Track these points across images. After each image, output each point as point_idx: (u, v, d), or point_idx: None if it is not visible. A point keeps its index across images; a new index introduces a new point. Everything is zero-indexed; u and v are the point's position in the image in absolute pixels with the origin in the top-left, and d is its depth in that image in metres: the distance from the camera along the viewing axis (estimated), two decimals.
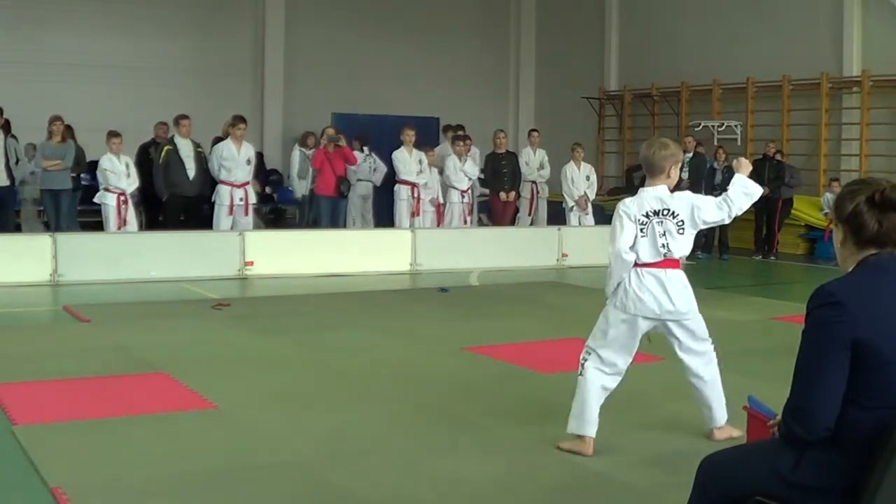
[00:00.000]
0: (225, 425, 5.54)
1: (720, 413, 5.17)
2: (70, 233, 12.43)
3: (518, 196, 15.06)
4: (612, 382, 5.04)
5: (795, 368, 2.79)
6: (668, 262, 4.98)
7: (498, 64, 22.45)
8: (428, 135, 17.02)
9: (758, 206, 14.94)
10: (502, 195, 14.71)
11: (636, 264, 4.97)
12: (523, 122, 22.12)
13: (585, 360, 5.05)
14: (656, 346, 7.76)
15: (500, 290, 11.47)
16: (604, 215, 17.67)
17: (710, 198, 5.15)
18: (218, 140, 13.45)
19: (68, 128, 13.46)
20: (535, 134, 15.71)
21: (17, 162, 13.19)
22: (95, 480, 4.57)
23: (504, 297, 10.99)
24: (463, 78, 21.48)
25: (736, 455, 3.00)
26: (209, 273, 11.71)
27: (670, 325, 5.06)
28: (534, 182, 15.33)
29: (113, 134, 12.61)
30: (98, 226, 13.44)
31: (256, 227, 13.88)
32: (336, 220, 14.31)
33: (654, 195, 4.98)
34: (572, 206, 14.67)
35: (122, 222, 12.38)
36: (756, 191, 5.07)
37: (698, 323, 5.17)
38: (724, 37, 18.02)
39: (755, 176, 16.40)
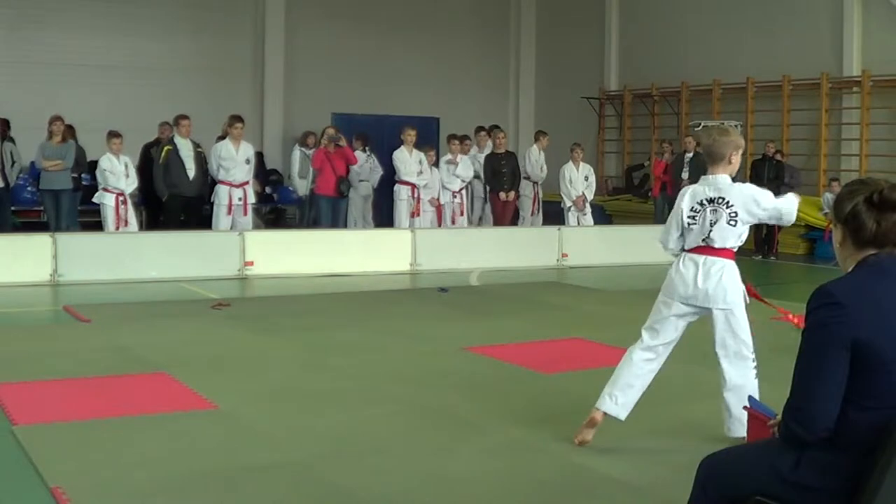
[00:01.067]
0: (225, 425, 5.54)
1: (734, 424, 5.06)
2: (70, 233, 12.43)
3: (517, 196, 15.05)
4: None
5: (795, 369, 2.79)
6: (710, 250, 5.03)
7: (498, 64, 22.45)
8: (428, 135, 17.02)
9: None
10: (502, 195, 14.70)
11: (684, 249, 5.13)
12: (523, 122, 22.14)
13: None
14: None
15: (500, 290, 11.47)
16: (604, 215, 17.71)
17: (768, 192, 5.13)
18: (221, 140, 13.45)
19: (69, 128, 13.46)
20: (544, 137, 15.60)
21: (12, 165, 13.19)
22: (95, 480, 4.57)
23: (504, 297, 10.98)
24: (463, 78, 21.49)
25: (736, 455, 3.00)
26: (209, 273, 11.71)
27: (712, 314, 5.07)
28: (536, 182, 15.34)
29: (113, 134, 12.61)
30: (98, 226, 13.45)
31: (256, 227, 13.88)
32: (336, 220, 14.31)
33: (712, 184, 5.02)
34: (570, 207, 14.67)
35: (122, 222, 12.38)
36: (787, 216, 5.12)
37: (738, 320, 5.12)
38: (724, 37, 18.03)
39: (755, 176, 16.44)
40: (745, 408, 3.67)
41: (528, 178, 15.41)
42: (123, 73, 18.07)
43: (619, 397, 5.09)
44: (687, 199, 5.06)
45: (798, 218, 17.07)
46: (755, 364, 5.13)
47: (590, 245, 13.84)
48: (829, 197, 13.95)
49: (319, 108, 18.82)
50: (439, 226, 14.25)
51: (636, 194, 18.91)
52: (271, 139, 19.59)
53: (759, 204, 5.00)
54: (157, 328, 8.51)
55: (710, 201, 4.99)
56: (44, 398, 6.08)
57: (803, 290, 3.59)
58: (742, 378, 5.09)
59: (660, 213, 15.96)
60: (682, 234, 5.12)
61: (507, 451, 5.10)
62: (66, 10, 17.89)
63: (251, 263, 12.06)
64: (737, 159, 5.04)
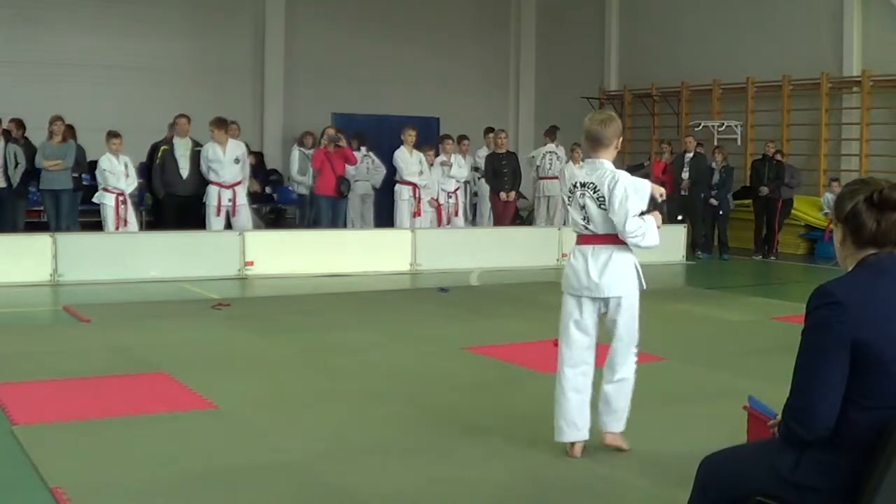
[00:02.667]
0: (225, 425, 5.54)
1: (613, 419, 5.02)
2: (70, 233, 12.43)
3: (518, 196, 15.07)
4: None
5: (795, 368, 2.79)
6: (593, 238, 4.93)
7: (498, 64, 22.44)
8: (428, 135, 17.02)
9: (758, 206, 15.13)
10: (502, 195, 14.70)
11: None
12: (523, 122, 22.13)
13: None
14: (656, 345, 7.78)
15: (500, 290, 11.47)
16: None
17: (640, 205, 4.93)
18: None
19: (70, 128, 13.45)
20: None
21: (16, 166, 13.20)
22: (95, 480, 4.57)
23: (504, 297, 10.98)
24: (463, 78, 21.48)
25: (736, 455, 3.00)
26: (209, 273, 11.72)
27: (609, 304, 4.94)
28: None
29: (112, 134, 12.60)
30: (98, 226, 13.44)
31: (256, 227, 13.88)
32: (336, 220, 14.30)
33: (591, 167, 4.97)
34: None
35: (122, 222, 12.37)
36: (648, 242, 4.95)
37: (633, 311, 4.98)
38: (724, 37, 18.02)
39: (755, 176, 16.42)
40: (744, 408, 3.67)
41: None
42: (124, 73, 18.05)
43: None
44: (566, 180, 5.02)
45: (798, 218, 17.04)
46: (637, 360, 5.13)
47: None
48: (829, 197, 13.96)
49: (319, 108, 18.81)
50: (438, 226, 14.25)
51: None
52: (271, 139, 19.58)
53: (617, 205, 4.83)
54: (157, 328, 8.51)
55: (584, 185, 4.92)
56: (44, 398, 6.08)
57: (803, 290, 3.59)
58: (630, 372, 5.06)
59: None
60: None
61: (507, 451, 5.10)
62: (67, 10, 17.87)
63: (251, 263, 12.06)
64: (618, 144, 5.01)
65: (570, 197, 4.98)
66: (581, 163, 5.12)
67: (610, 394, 5.02)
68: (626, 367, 5.03)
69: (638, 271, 5.01)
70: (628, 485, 4.63)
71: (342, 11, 20.07)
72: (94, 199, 12.62)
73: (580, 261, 4.96)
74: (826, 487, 2.73)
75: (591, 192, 4.89)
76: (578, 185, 4.93)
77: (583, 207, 4.92)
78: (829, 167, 16.34)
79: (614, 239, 4.91)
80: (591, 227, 4.93)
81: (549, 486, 4.61)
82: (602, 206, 4.88)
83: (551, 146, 16.03)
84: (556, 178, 15.07)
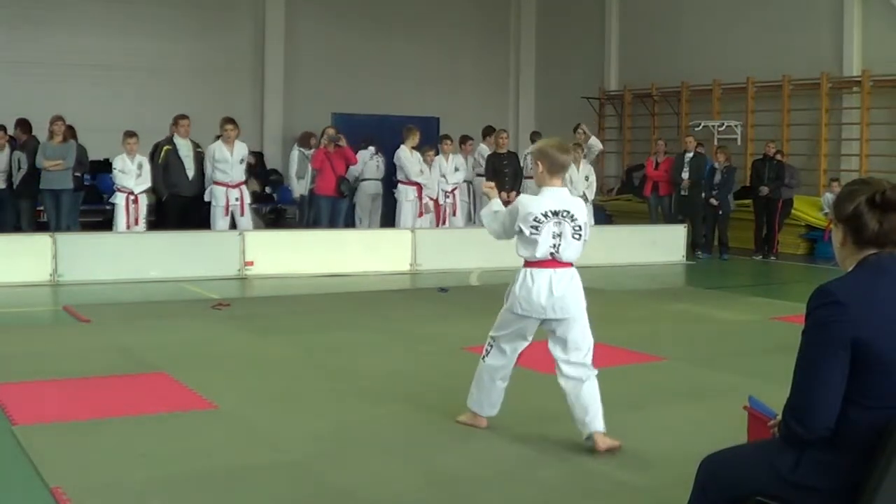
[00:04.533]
0: (225, 425, 5.54)
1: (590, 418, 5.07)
2: (70, 233, 12.43)
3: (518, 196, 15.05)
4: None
5: (795, 368, 2.79)
6: (556, 263, 5.03)
7: (498, 64, 22.44)
8: (428, 135, 17.01)
9: (758, 206, 15.12)
10: (503, 195, 14.68)
11: (528, 263, 5.08)
12: (523, 122, 22.13)
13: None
14: (656, 345, 7.79)
15: (500, 290, 11.40)
16: (604, 215, 17.72)
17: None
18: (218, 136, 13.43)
19: (69, 128, 13.46)
20: (579, 149, 15.45)
21: (19, 169, 13.24)
22: (95, 480, 4.57)
23: (504, 297, 10.96)
24: (463, 78, 21.49)
25: (736, 455, 3.00)
26: (209, 273, 11.71)
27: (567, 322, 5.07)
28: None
29: (128, 134, 12.62)
30: (99, 226, 13.44)
31: (256, 227, 13.88)
32: (336, 220, 14.30)
33: (557, 196, 5.03)
34: None
35: (133, 222, 12.39)
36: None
37: (580, 329, 5.12)
38: (724, 37, 18.03)
39: (755, 176, 16.44)
40: (745, 408, 3.67)
41: (531, 177, 15.50)
42: (124, 73, 18.06)
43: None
44: (530, 208, 5.01)
45: (798, 218, 17.04)
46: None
47: (590, 245, 13.76)
48: (829, 197, 13.95)
49: (319, 108, 18.82)
50: (438, 226, 14.25)
51: (636, 194, 18.90)
52: (271, 139, 19.58)
53: (586, 234, 5.10)
54: (157, 328, 8.51)
55: (556, 213, 4.97)
56: (44, 398, 6.08)
57: (803, 290, 3.59)
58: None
59: (653, 213, 16.00)
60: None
61: (507, 450, 5.10)
62: (67, 10, 17.88)
63: (251, 263, 12.05)
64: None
65: (537, 224, 4.97)
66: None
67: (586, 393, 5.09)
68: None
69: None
70: (628, 485, 4.63)
71: (342, 11, 20.08)
72: (111, 200, 12.73)
73: (542, 284, 5.03)
74: (826, 487, 2.73)
75: (570, 222, 4.99)
76: (551, 212, 4.97)
77: (558, 235, 4.98)
78: (829, 167, 16.34)
79: (571, 265, 5.09)
80: (557, 254, 5.02)
81: (549, 486, 4.61)
82: (575, 236, 5.00)
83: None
84: None
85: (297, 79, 19.75)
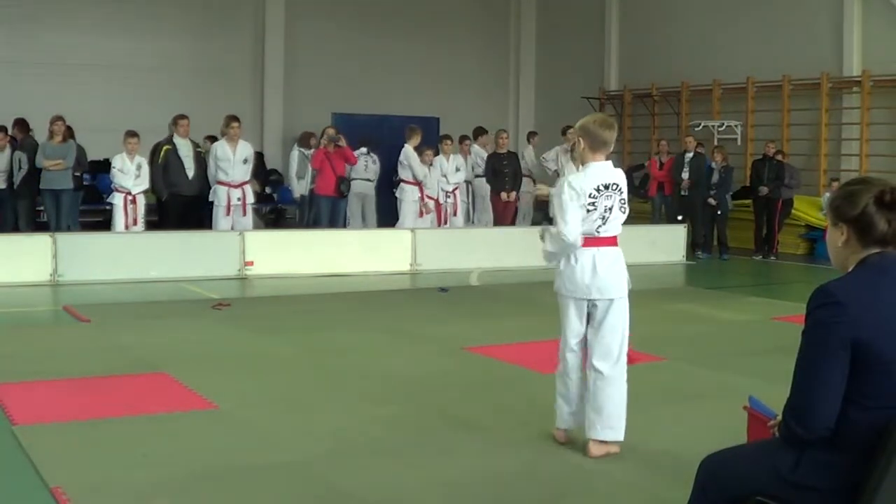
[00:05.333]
0: (225, 425, 5.54)
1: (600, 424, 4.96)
2: (70, 233, 12.43)
3: (518, 197, 15.07)
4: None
5: (795, 368, 2.79)
6: (602, 241, 4.93)
7: (498, 64, 22.44)
8: (428, 135, 17.01)
9: (758, 206, 15.12)
10: (503, 195, 14.71)
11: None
12: (523, 122, 22.12)
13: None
14: (656, 345, 7.78)
15: (500, 290, 11.47)
16: None
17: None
18: (211, 139, 13.42)
19: (68, 128, 13.46)
20: (535, 136, 15.62)
21: (19, 169, 13.25)
22: (95, 480, 4.57)
23: (504, 297, 10.98)
24: (463, 78, 21.48)
25: (736, 455, 3.00)
26: (209, 273, 11.71)
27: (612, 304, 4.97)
28: (536, 179, 15.39)
29: (129, 134, 12.62)
30: (99, 226, 13.42)
31: (256, 227, 13.88)
32: (336, 220, 14.30)
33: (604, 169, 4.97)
34: None
35: (132, 222, 12.38)
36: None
37: (619, 317, 5.00)
38: (724, 37, 18.02)
39: (755, 176, 16.44)
40: (744, 408, 3.67)
41: (528, 175, 15.55)
42: (123, 73, 18.05)
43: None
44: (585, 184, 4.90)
45: (798, 218, 17.02)
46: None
47: None
48: (829, 197, 13.96)
49: (319, 108, 18.82)
50: (439, 226, 14.25)
51: (636, 194, 18.90)
52: (271, 139, 19.58)
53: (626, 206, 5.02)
54: (157, 328, 8.51)
55: (607, 187, 4.90)
56: (44, 398, 6.08)
57: (803, 290, 3.59)
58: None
59: (657, 213, 15.98)
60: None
61: (507, 451, 5.10)
62: (67, 10, 17.87)
63: (251, 263, 12.05)
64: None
65: (593, 200, 4.86)
66: (582, 164, 5.09)
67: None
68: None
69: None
70: (628, 484, 4.63)
71: (342, 11, 20.08)
72: (109, 200, 12.73)
73: (587, 262, 4.92)
74: (826, 487, 2.73)
75: (619, 195, 4.93)
76: (602, 186, 4.88)
77: (609, 209, 4.90)
78: (829, 167, 16.34)
79: (615, 242, 4.98)
80: (602, 230, 4.92)
81: (549, 486, 4.61)
82: (622, 209, 4.95)
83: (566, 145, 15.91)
84: None
85: (297, 79, 19.75)
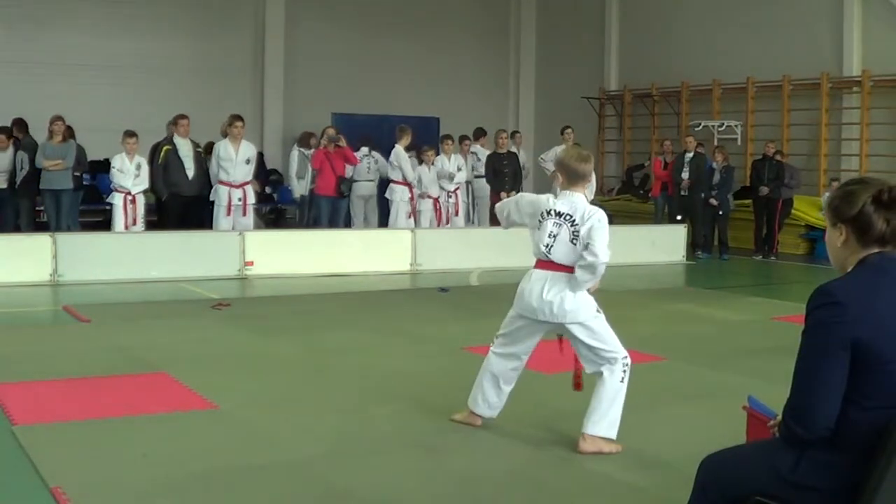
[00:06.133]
0: (225, 425, 5.54)
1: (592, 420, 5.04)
2: (70, 233, 12.43)
3: None
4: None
5: (795, 368, 2.78)
6: (555, 266, 5.05)
7: (498, 64, 22.45)
8: (428, 135, 17.02)
9: (758, 206, 15.12)
10: (503, 195, 14.68)
11: (535, 263, 5.15)
12: (523, 122, 22.13)
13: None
14: (656, 345, 7.79)
15: (500, 290, 11.42)
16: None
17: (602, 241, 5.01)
18: (210, 144, 13.40)
19: (68, 128, 13.45)
20: (519, 135, 15.55)
21: (21, 169, 13.26)
22: (95, 480, 4.57)
23: (504, 297, 10.90)
24: (463, 78, 21.49)
25: (736, 455, 3.00)
26: (209, 273, 11.71)
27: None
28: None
29: (128, 134, 12.61)
30: (99, 226, 13.40)
31: (256, 227, 13.88)
32: (336, 220, 14.30)
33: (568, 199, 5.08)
34: None
35: (131, 222, 12.38)
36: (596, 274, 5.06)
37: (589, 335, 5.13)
38: (724, 37, 18.03)
39: (755, 176, 16.46)
40: (744, 408, 3.67)
41: None
42: (123, 73, 18.06)
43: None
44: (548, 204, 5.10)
45: (798, 218, 17.02)
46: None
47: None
48: (830, 197, 13.95)
49: (319, 108, 18.82)
50: (439, 226, 14.25)
51: (636, 194, 18.92)
52: (271, 139, 19.58)
53: (597, 237, 4.96)
54: (157, 328, 8.51)
55: (559, 215, 5.03)
56: (44, 398, 6.08)
57: (803, 290, 3.59)
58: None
59: (660, 213, 15.98)
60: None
61: (508, 451, 5.11)
62: (67, 10, 17.88)
63: (251, 263, 12.05)
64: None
65: (540, 221, 5.08)
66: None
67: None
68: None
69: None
70: (628, 485, 4.63)
71: (342, 11, 20.08)
72: (108, 200, 12.74)
73: (536, 284, 5.11)
74: (826, 487, 2.73)
75: (569, 225, 5.02)
76: (554, 212, 5.05)
77: (553, 236, 5.03)
78: (829, 167, 16.34)
79: (571, 269, 5.04)
80: (550, 255, 5.06)
81: (549, 486, 4.61)
82: (573, 241, 5.00)
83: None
84: None
85: (297, 79, 19.75)
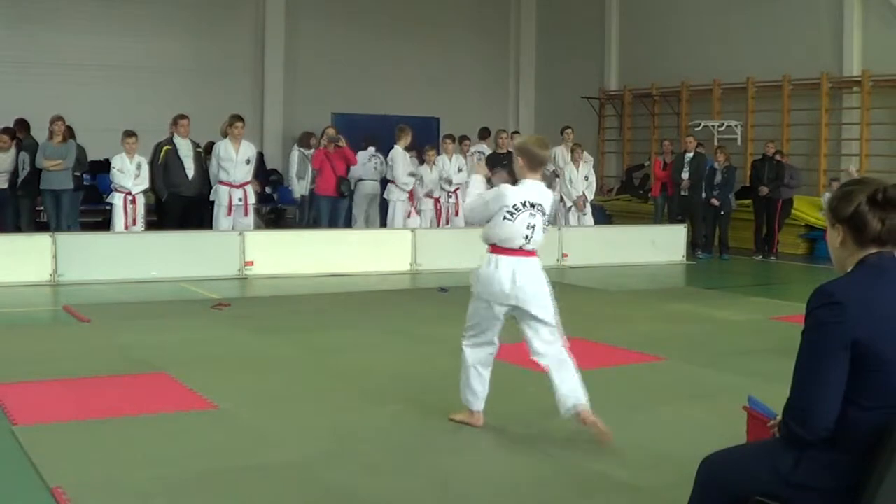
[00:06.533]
0: (225, 425, 5.54)
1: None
2: (70, 233, 12.42)
3: None
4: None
5: (795, 369, 2.79)
6: (523, 253, 5.27)
7: (498, 64, 22.46)
8: (428, 135, 17.02)
9: (758, 206, 15.13)
10: None
11: (494, 249, 5.30)
12: (523, 123, 22.14)
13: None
14: (656, 345, 7.79)
15: None
16: (604, 215, 17.73)
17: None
18: (210, 144, 13.40)
19: (68, 128, 13.45)
20: (580, 149, 15.20)
21: (23, 169, 13.26)
22: (95, 480, 4.57)
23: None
24: (463, 78, 21.50)
25: (736, 455, 3.00)
26: (209, 273, 11.71)
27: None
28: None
29: (127, 134, 12.60)
30: (99, 226, 13.39)
31: (256, 227, 13.88)
32: (336, 220, 14.30)
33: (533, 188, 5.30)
34: (570, 207, 14.69)
35: (131, 222, 12.38)
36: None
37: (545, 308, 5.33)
38: (724, 37, 18.03)
39: (755, 176, 16.47)
40: (744, 408, 3.67)
41: None
42: (124, 73, 18.08)
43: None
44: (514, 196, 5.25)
45: (798, 218, 17.02)
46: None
47: (590, 245, 13.84)
48: (829, 197, 13.96)
49: (319, 108, 18.83)
50: (439, 225, 14.25)
51: (636, 194, 18.92)
52: (271, 139, 19.59)
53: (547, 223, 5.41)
54: (157, 328, 8.50)
55: (534, 206, 5.24)
56: (44, 398, 6.08)
57: (803, 290, 3.59)
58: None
59: (660, 213, 15.98)
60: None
61: (508, 450, 5.11)
62: (67, 10, 17.90)
63: (251, 263, 12.05)
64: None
65: (513, 213, 5.21)
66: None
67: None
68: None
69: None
70: (628, 485, 4.63)
71: (342, 12, 20.10)
72: (108, 200, 12.74)
73: (506, 271, 5.25)
74: (826, 487, 2.73)
75: (542, 215, 5.28)
76: (528, 203, 5.23)
77: (531, 227, 5.23)
78: (829, 167, 16.35)
79: (534, 254, 5.33)
80: (527, 245, 5.26)
81: (548, 486, 4.61)
82: (545, 229, 5.33)
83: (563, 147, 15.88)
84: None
85: (297, 79, 19.76)
